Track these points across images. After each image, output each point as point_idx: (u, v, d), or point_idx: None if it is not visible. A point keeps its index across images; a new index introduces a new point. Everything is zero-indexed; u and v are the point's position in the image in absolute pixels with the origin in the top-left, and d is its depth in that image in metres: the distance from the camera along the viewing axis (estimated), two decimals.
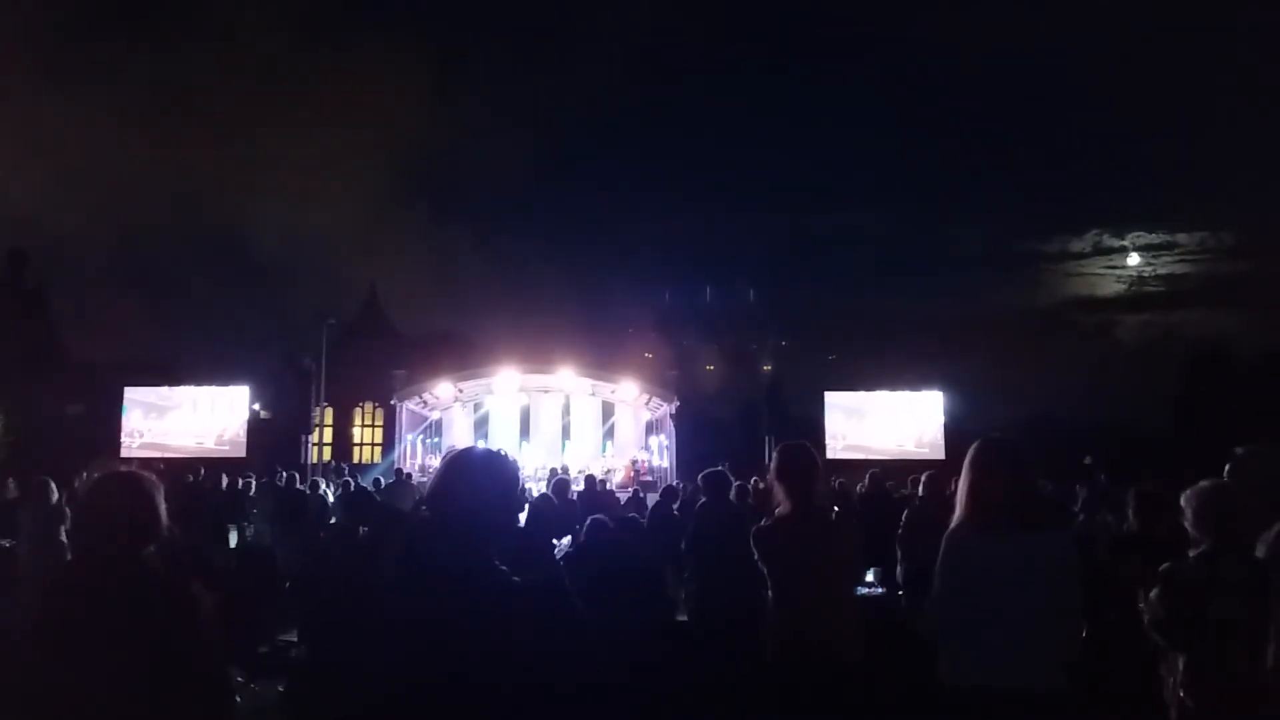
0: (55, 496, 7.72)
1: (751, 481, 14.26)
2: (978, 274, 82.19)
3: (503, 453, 2.64)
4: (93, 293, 48.75)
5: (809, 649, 3.76)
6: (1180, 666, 3.46)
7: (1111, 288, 64.28)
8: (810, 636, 3.78)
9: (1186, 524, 3.64)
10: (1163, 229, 62.72)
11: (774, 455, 4.21)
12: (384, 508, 9.69)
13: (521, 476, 2.64)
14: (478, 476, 2.45)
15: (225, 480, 14.05)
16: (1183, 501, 3.68)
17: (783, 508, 4.02)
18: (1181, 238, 61.76)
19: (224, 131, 70.15)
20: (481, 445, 3.13)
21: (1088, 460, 13.82)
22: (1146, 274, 63.23)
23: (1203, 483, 3.65)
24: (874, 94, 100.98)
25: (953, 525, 3.41)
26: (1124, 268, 63.54)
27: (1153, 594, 3.59)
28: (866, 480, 11.28)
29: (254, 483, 14.34)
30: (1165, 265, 62.76)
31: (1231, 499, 3.58)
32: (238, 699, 5.00)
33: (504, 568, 2.34)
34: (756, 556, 4.03)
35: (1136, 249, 62.89)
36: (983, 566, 3.24)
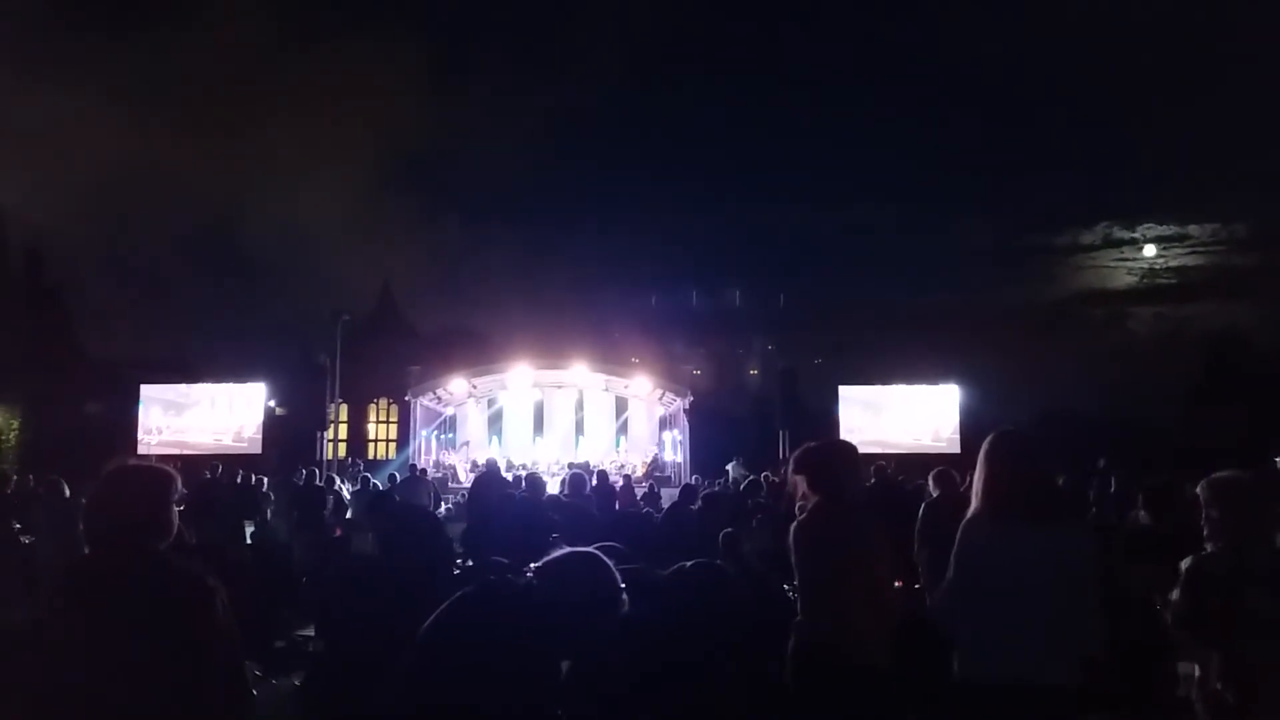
0: (68, 493, 7.79)
1: (763, 475, 14.28)
2: (989, 268, 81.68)
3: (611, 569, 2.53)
4: (109, 291, 49.13)
5: (831, 651, 3.65)
6: (1215, 662, 3.41)
7: (1123, 280, 63.81)
8: (833, 638, 3.66)
9: (1205, 515, 3.58)
10: (1174, 220, 62.16)
11: (799, 450, 3.99)
12: (407, 507, 9.75)
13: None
14: (591, 589, 2.38)
15: (240, 476, 14.13)
16: (1200, 492, 3.62)
17: (810, 503, 3.84)
18: (1193, 229, 61.21)
19: (239, 132, 70.53)
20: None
21: (1101, 463, 13.79)
22: (1158, 266, 62.73)
23: (1222, 473, 3.60)
24: (880, 89, 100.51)
25: (968, 517, 3.38)
26: (1135, 260, 63.07)
27: (1176, 590, 3.54)
28: (872, 473, 11.19)
29: (266, 480, 14.41)
30: (1177, 257, 62.25)
31: (1251, 489, 3.53)
32: (254, 692, 5.01)
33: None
34: (791, 549, 3.83)
35: (1148, 241, 62.41)
36: (998, 560, 3.21)
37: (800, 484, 3.90)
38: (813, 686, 3.65)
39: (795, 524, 3.88)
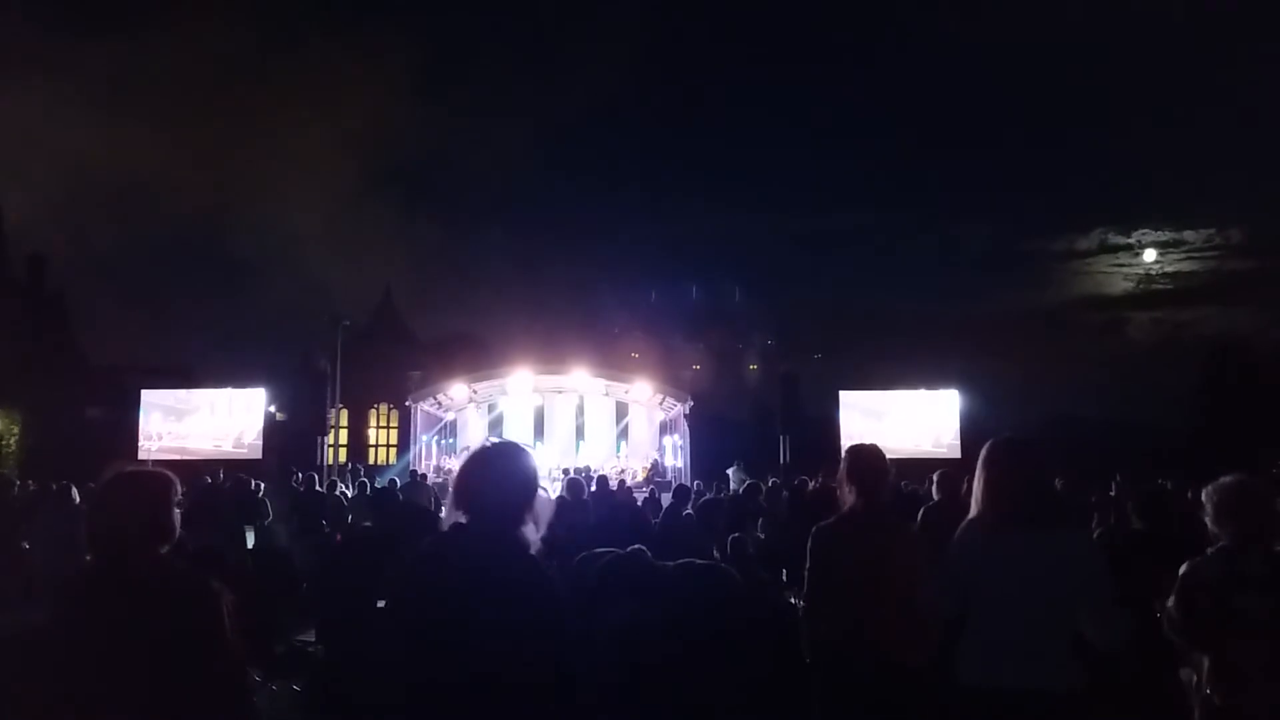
0: (77, 499, 7.79)
1: (771, 482, 14.26)
2: (987, 273, 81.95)
3: (518, 444, 2.62)
4: (110, 298, 49.24)
5: (858, 650, 3.66)
6: (1205, 666, 3.42)
7: (1120, 286, 64.00)
8: (861, 638, 3.66)
9: (1206, 519, 3.59)
10: (1170, 226, 62.35)
11: (844, 457, 4.06)
12: (409, 505, 9.75)
13: (535, 465, 2.62)
14: (500, 473, 2.45)
15: (240, 481, 14.10)
16: (1204, 497, 3.63)
17: (849, 507, 3.92)
18: (1189, 235, 61.40)
19: (240, 139, 70.70)
20: (494, 440, 2.94)
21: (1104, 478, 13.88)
22: (1155, 272, 62.89)
23: (1223, 478, 3.61)
24: (878, 94, 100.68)
25: (965, 522, 3.39)
26: (1132, 265, 63.27)
27: (1172, 595, 3.55)
28: None
29: (263, 485, 14.39)
30: (1174, 263, 62.42)
31: (1252, 494, 3.54)
32: (256, 698, 5.02)
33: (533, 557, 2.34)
34: (809, 553, 3.89)
35: (1144, 246, 62.58)
36: (996, 565, 3.21)
37: (850, 487, 3.94)
38: (847, 685, 3.65)
39: (819, 526, 3.91)
